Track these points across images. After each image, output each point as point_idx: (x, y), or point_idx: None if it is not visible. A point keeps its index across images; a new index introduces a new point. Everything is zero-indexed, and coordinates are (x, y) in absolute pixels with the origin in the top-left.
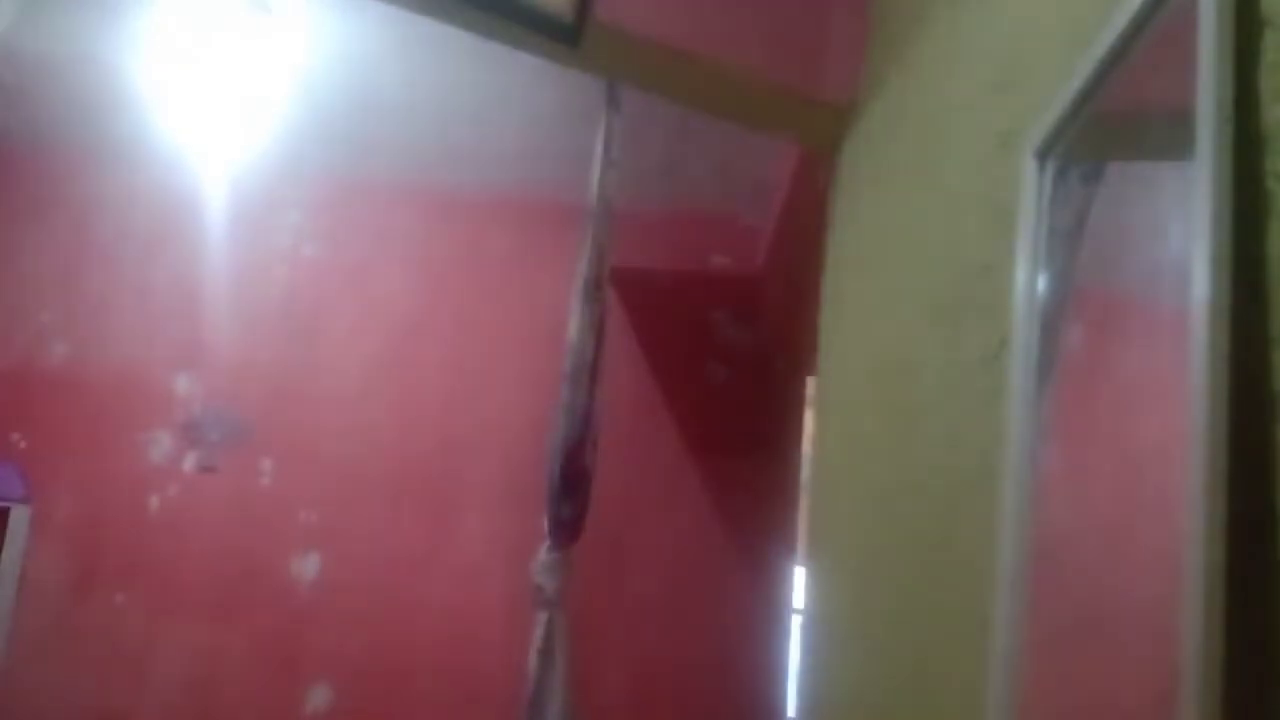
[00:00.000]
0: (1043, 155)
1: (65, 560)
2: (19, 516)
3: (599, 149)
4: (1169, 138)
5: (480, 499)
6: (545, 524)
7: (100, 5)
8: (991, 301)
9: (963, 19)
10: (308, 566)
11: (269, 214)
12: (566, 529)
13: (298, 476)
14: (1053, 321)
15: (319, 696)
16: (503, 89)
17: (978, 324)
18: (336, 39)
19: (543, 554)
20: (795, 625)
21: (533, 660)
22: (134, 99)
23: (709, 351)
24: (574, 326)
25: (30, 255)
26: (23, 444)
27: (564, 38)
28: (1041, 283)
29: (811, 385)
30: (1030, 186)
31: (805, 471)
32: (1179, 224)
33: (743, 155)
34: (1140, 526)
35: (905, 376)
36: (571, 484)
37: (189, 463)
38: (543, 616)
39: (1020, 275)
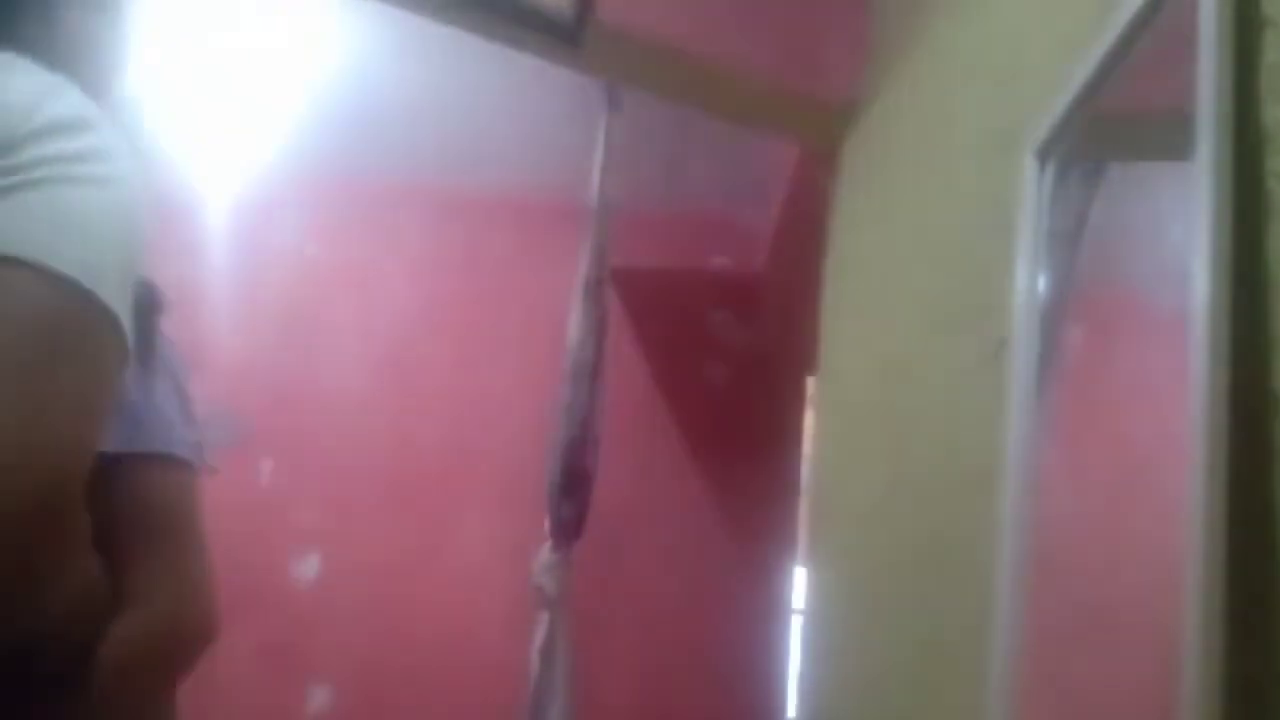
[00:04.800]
0: (1043, 155)
1: None
2: None
3: (599, 149)
4: (1169, 138)
5: (480, 499)
6: (546, 524)
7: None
8: (991, 301)
9: (963, 19)
10: (308, 567)
11: (270, 214)
12: (567, 529)
13: (298, 477)
14: (1053, 321)
15: (319, 697)
16: (503, 89)
17: (978, 324)
18: (337, 40)
19: (543, 554)
20: (795, 625)
21: (534, 660)
22: (134, 98)
23: (709, 351)
24: (574, 326)
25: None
26: None
27: (564, 38)
28: (1041, 283)
29: (811, 385)
30: (1030, 186)
31: (805, 471)
32: (1179, 224)
33: (743, 155)
34: (1140, 526)
35: (905, 376)
36: (572, 484)
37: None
38: (544, 616)
39: (1020, 275)
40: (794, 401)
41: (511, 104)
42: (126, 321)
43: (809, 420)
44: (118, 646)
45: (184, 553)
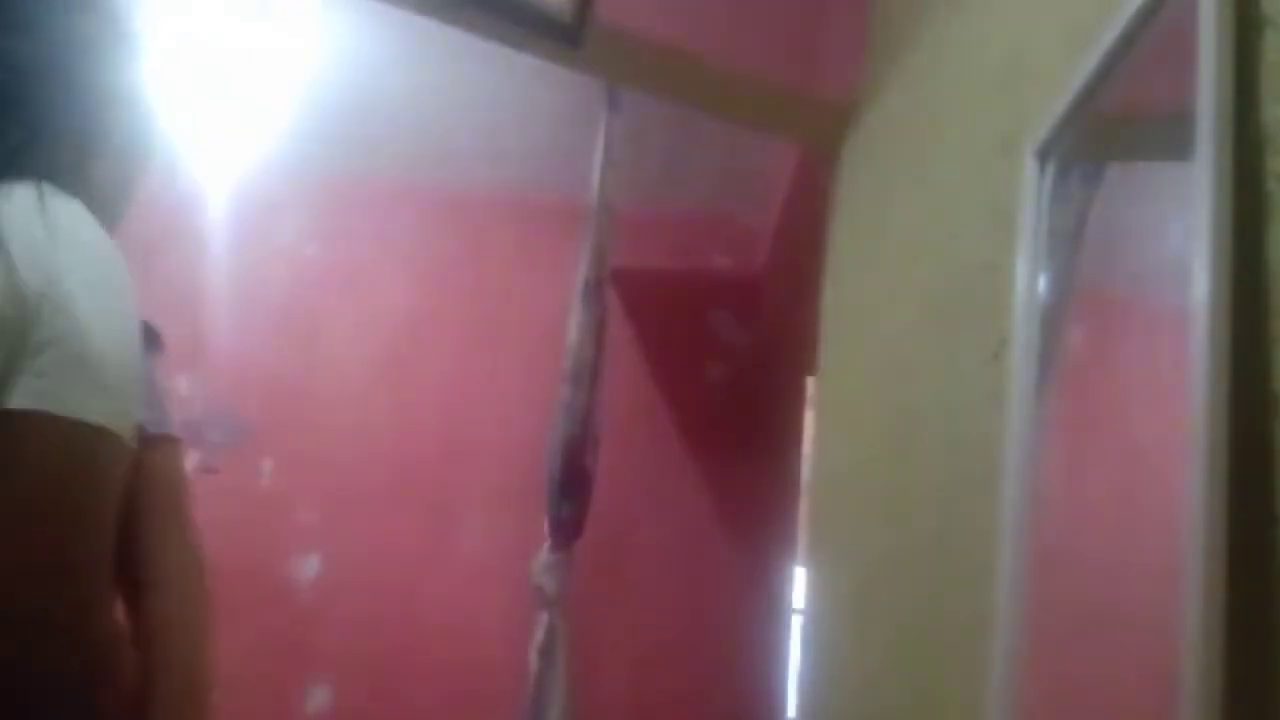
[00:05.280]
0: (1043, 155)
1: None
2: None
3: (599, 149)
4: (1169, 138)
5: (480, 499)
6: (545, 524)
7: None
8: (991, 301)
9: (963, 19)
10: (308, 567)
11: (270, 215)
12: (567, 529)
13: (298, 477)
14: (1053, 321)
15: (319, 697)
16: (503, 89)
17: (978, 324)
18: (337, 40)
19: (543, 554)
20: (795, 625)
21: (533, 660)
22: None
23: (709, 351)
24: (574, 326)
25: None
26: None
27: (564, 38)
28: (1041, 283)
29: (811, 385)
30: (1030, 186)
31: (805, 471)
32: (1179, 224)
33: (743, 155)
34: (1140, 526)
35: (905, 376)
36: (571, 484)
37: (190, 464)
38: (543, 616)
39: (1020, 275)
40: (794, 401)
41: (511, 104)
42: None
43: (809, 420)
44: (170, 632)
45: (194, 529)
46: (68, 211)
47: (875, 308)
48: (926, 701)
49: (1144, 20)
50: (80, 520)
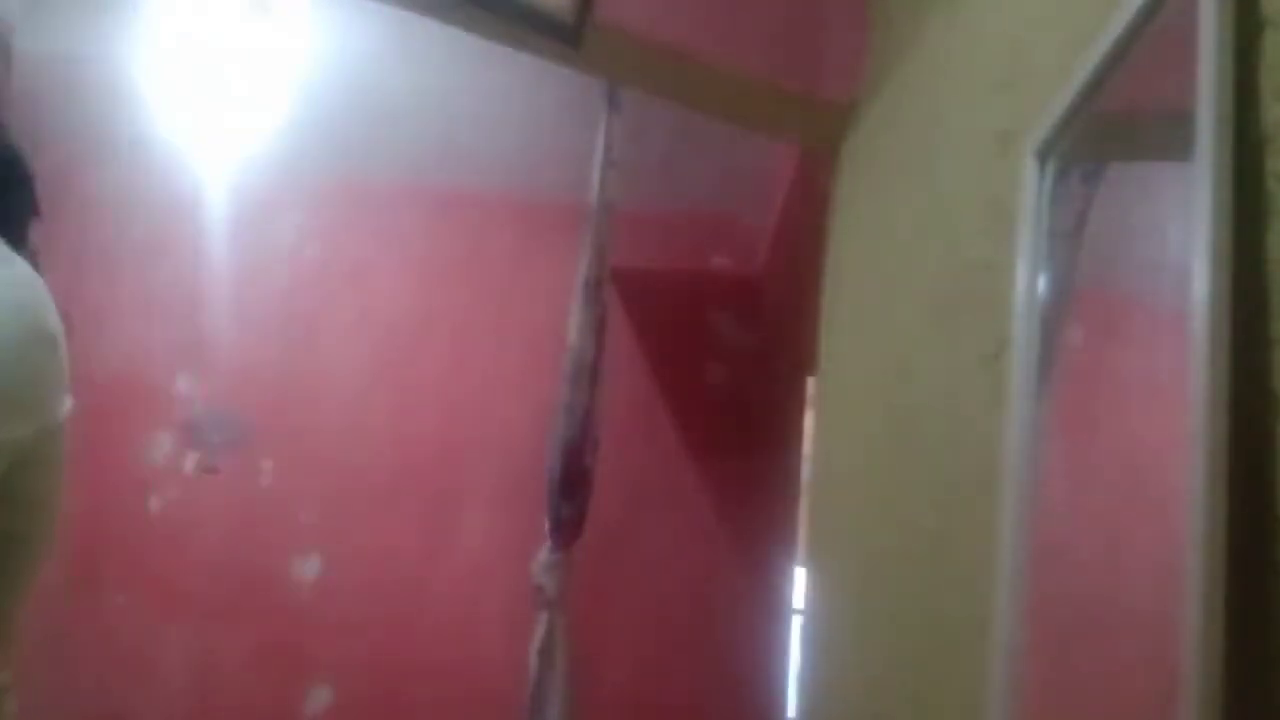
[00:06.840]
0: (1043, 155)
1: (65, 561)
2: None
3: (599, 149)
4: (1169, 138)
5: (480, 499)
6: (545, 524)
7: (101, 5)
8: (991, 301)
9: (963, 19)
10: (308, 567)
11: (269, 214)
12: (567, 529)
13: (298, 477)
14: (1053, 321)
15: (319, 697)
16: (503, 89)
17: (978, 324)
18: (337, 39)
19: (543, 554)
20: (795, 625)
21: (533, 660)
22: (134, 99)
23: (709, 351)
24: (574, 326)
25: (30, 256)
26: None
27: (564, 39)
28: (1041, 283)
29: (811, 385)
30: (1030, 186)
31: (805, 471)
32: (1179, 224)
33: (743, 155)
34: (1140, 526)
35: (905, 376)
36: (571, 484)
37: (189, 464)
38: (543, 616)
39: (1020, 275)
40: (794, 401)
41: (511, 104)
42: None
43: (809, 420)
44: None
45: None
46: None
47: (875, 308)
48: (926, 701)
49: (1144, 20)
50: None
